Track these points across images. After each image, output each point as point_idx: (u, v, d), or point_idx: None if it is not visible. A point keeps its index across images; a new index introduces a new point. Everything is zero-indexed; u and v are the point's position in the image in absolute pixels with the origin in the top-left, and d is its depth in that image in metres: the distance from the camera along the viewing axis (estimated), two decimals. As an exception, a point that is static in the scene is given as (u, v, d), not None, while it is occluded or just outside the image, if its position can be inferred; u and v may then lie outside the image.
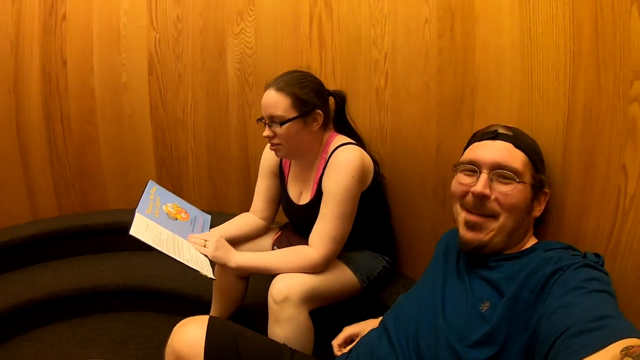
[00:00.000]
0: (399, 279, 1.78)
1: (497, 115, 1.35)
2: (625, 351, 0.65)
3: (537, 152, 1.12)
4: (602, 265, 0.94)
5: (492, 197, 1.05)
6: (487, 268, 1.06)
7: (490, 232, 1.05)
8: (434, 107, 1.59)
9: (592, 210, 1.10)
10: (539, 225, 1.16)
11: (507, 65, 1.31)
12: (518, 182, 1.04)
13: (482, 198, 1.05)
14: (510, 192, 1.04)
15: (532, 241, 1.11)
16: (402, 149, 1.75)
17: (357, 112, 1.87)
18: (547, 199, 1.12)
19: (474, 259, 1.09)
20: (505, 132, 1.10)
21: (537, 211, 1.10)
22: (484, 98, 1.41)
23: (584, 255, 0.96)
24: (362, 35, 1.81)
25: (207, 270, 1.41)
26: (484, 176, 1.06)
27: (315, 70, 2.00)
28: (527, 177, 1.06)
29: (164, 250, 1.38)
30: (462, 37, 1.46)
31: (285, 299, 1.38)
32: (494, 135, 1.10)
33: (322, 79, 1.95)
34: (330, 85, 1.92)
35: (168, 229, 1.53)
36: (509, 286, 0.97)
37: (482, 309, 0.99)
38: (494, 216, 1.05)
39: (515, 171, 1.04)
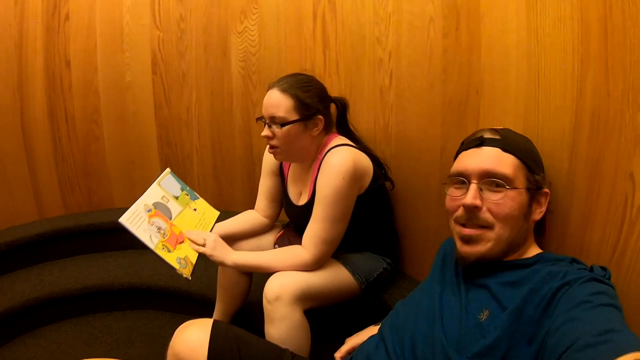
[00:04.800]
0: (402, 280, 1.77)
1: (503, 117, 1.33)
2: None
3: (529, 152, 1.07)
4: (609, 278, 0.92)
5: (484, 207, 1.01)
6: (486, 276, 1.03)
7: (487, 244, 1.02)
8: (438, 107, 1.57)
9: (598, 219, 1.07)
10: (542, 234, 1.14)
11: (513, 66, 1.28)
12: (509, 188, 1.00)
13: (473, 210, 1.02)
14: (501, 200, 1.00)
15: (533, 250, 1.08)
16: (406, 149, 1.73)
17: (362, 112, 1.86)
18: (548, 199, 1.07)
19: (472, 267, 1.06)
20: (492, 137, 1.07)
21: (538, 214, 1.06)
22: (489, 99, 1.38)
23: (591, 269, 0.94)
24: (366, 34, 1.79)
25: (184, 270, 1.48)
26: (473, 187, 1.03)
27: (319, 69, 2.00)
28: (520, 181, 1.02)
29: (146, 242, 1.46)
30: (467, 36, 1.43)
31: (277, 298, 1.39)
32: (480, 142, 1.07)
33: (326, 78, 1.95)
34: (334, 84, 1.92)
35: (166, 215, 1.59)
36: (511, 297, 0.95)
37: (481, 318, 0.97)
38: (488, 227, 1.01)
39: (504, 177, 1.01)
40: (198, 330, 1.22)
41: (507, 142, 1.05)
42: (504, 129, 1.12)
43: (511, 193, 1.00)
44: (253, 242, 1.80)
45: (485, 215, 1.01)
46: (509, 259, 1.05)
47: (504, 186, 1.00)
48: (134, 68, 2.54)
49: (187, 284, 2.14)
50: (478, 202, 1.01)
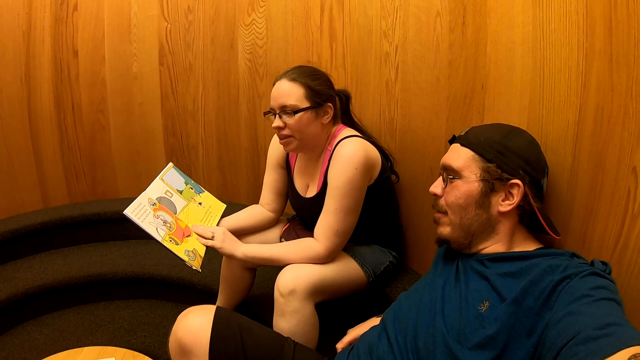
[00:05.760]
0: (405, 274, 1.77)
1: (507, 111, 1.33)
2: (633, 359, 0.64)
3: (490, 144, 1.07)
4: (610, 273, 0.93)
5: (444, 195, 1.13)
6: (485, 267, 1.05)
7: (446, 227, 1.13)
8: (443, 101, 1.57)
9: (600, 212, 1.07)
10: (540, 232, 1.13)
11: (519, 60, 1.28)
12: (454, 178, 1.10)
13: (435, 197, 1.15)
14: (448, 189, 1.11)
15: (530, 244, 1.08)
16: (411, 143, 1.73)
17: (367, 105, 1.87)
18: (521, 191, 1.04)
19: (472, 260, 1.09)
20: (460, 134, 1.16)
21: (506, 206, 1.05)
22: (494, 94, 1.38)
23: (592, 263, 0.95)
24: (373, 28, 1.80)
25: (193, 262, 1.46)
26: (439, 177, 1.16)
27: (325, 62, 2.01)
28: (471, 172, 1.08)
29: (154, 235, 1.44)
30: (473, 31, 1.43)
31: (292, 292, 1.38)
32: (451, 140, 1.19)
33: (332, 71, 1.96)
34: (340, 78, 1.92)
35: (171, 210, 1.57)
36: (510, 288, 0.95)
37: (481, 309, 0.97)
38: (444, 212, 1.13)
39: (451, 169, 1.10)
40: (201, 316, 1.22)
41: (467, 137, 1.12)
42: (479, 126, 1.17)
43: (457, 182, 1.09)
44: (258, 237, 1.78)
45: (442, 201, 1.13)
46: (488, 251, 1.08)
47: (452, 177, 1.10)
48: (141, 59, 2.55)
49: (190, 274, 2.15)
50: (435, 190, 1.15)
